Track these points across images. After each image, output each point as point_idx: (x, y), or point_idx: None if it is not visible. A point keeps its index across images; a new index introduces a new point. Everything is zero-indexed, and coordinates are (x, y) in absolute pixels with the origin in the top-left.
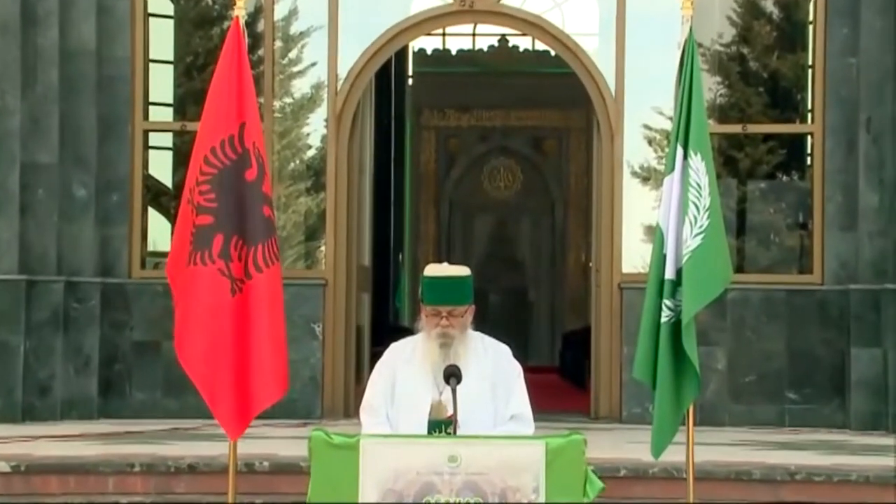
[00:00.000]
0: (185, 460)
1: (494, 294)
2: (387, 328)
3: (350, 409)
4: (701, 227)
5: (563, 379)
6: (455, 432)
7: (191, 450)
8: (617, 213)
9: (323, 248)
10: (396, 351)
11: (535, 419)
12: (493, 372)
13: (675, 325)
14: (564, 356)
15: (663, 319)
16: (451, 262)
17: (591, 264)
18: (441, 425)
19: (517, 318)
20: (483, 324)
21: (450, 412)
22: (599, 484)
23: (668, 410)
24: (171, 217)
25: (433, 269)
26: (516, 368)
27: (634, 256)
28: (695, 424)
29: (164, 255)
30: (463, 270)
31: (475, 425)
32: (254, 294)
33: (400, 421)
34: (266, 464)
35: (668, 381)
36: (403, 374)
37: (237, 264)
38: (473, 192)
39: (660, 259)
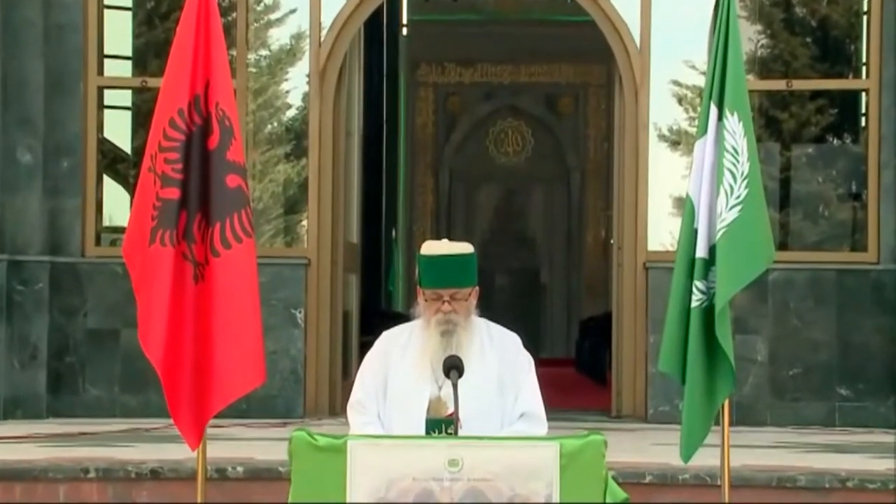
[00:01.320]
0: (147, 465)
1: (501, 275)
2: (378, 314)
3: (336, 406)
4: (738, 197)
5: (579, 372)
6: (456, 433)
7: (154, 453)
8: (642, 183)
9: (304, 222)
10: (389, 340)
11: (549, 418)
12: (501, 364)
13: (708, 311)
14: (581, 346)
15: (693, 304)
16: (451, 239)
17: (612, 241)
18: (441, 425)
19: (527, 303)
20: (488, 310)
21: (450, 410)
22: (622, 494)
23: (699, 408)
24: (130, 187)
25: (432, 247)
26: (527, 360)
27: (662, 232)
28: (731, 424)
29: (121, 230)
30: (466, 248)
31: (480, 425)
32: (218, 278)
33: (393, 420)
34: (240, 469)
35: (699, 374)
36: (398, 366)
37: (199, 247)
38: (477, 159)
39: (690, 235)
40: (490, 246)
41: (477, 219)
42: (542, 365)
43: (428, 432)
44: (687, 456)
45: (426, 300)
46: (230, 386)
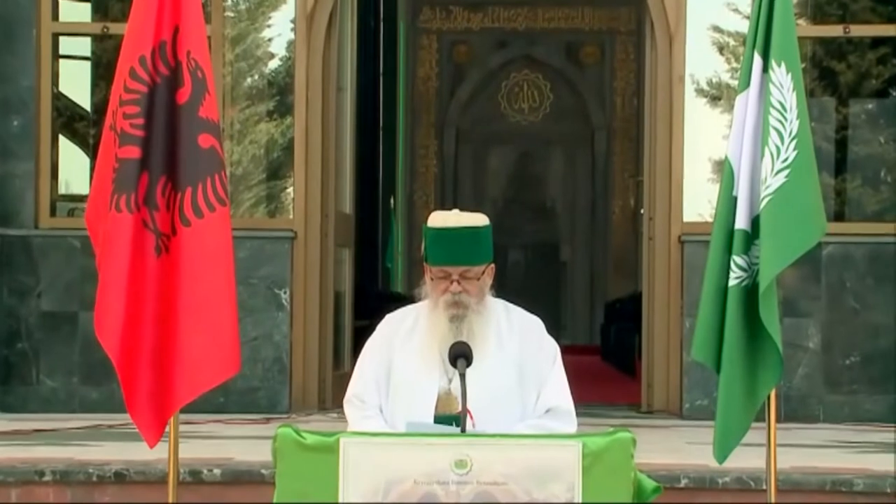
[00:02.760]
0: (110, 467)
1: (515, 251)
2: (374, 295)
3: (326, 399)
4: (785, 161)
5: (605, 362)
6: (464, 431)
7: (119, 453)
8: (677, 144)
9: (290, 189)
10: (392, 324)
11: None
12: (521, 353)
13: (750, 291)
14: (608, 332)
15: (732, 282)
16: (461, 209)
17: (642, 211)
18: (451, 423)
19: (545, 282)
20: (500, 291)
21: (461, 406)
22: (652, 483)
23: (737, 402)
24: (90, 149)
25: (440, 219)
26: (552, 348)
27: (700, 201)
28: (778, 420)
29: (80, 198)
30: (479, 220)
31: (496, 423)
32: (186, 251)
33: (397, 417)
34: (217, 471)
35: (738, 363)
36: (402, 355)
37: (164, 215)
38: (488, 118)
39: (728, 203)
40: (502, 217)
41: (487, 186)
42: (564, 353)
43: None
44: (722, 456)
45: (433, 279)
46: (198, 376)
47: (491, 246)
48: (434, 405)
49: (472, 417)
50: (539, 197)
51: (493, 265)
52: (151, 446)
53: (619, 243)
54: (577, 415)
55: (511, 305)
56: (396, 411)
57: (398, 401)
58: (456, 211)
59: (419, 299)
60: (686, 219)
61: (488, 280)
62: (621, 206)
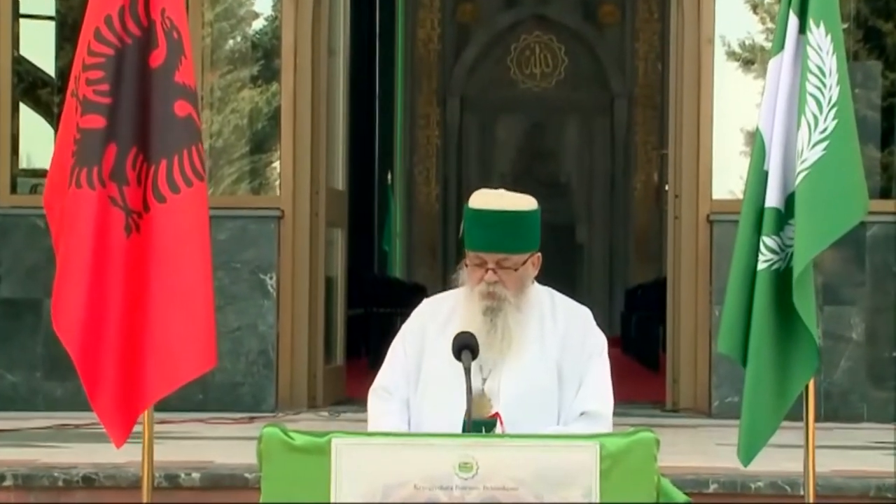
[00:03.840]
0: (78, 470)
1: None
2: (369, 280)
3: (316, 396)
4: (824, 131)
5: (626, 354)
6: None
7: (87, 455)
8: (705, 113)
9: (276, 164)
10: (429, 310)
11: None
12: (563, 348)
13: (782, 276)
14: (628, 322)
15: (761, 266)
16: (459, 188)
17: (666, 188)
18: (481, 428)
19: (560, 267)
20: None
21: (495, 409)
22: (682, 496)
23: (764, 399)
24: (55, 119)
25: (481, 199)
26: (598, 343)
27: (730, 176)
28: (817, 419)
29: (44, 173)
30: (525, 202)
31: (528, 425)
32: (159, 231)
33: (424, 417)
34: (195, 476)
35: (767, 355)
36: (435, 346)
37: (134, 190)
38: (496, 84)
39: (759, 178)
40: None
41: (495, 160)
42: None
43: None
44: (747, 458)
45: (469, 265)
46: (170, 370)
47: (538, 233)
48: (466, 407)
49: (502, 423)
50: (552, 172)
51: (538, 254)
52: (118, 446)
53: (642, 223)
54: None
55: (558, 295)
56: (423, 412)
57: (426, 400)
58: (501, 191)
59: (456, 285)
60: (715, 196)
61: (531, 271)
62: (643, 182)
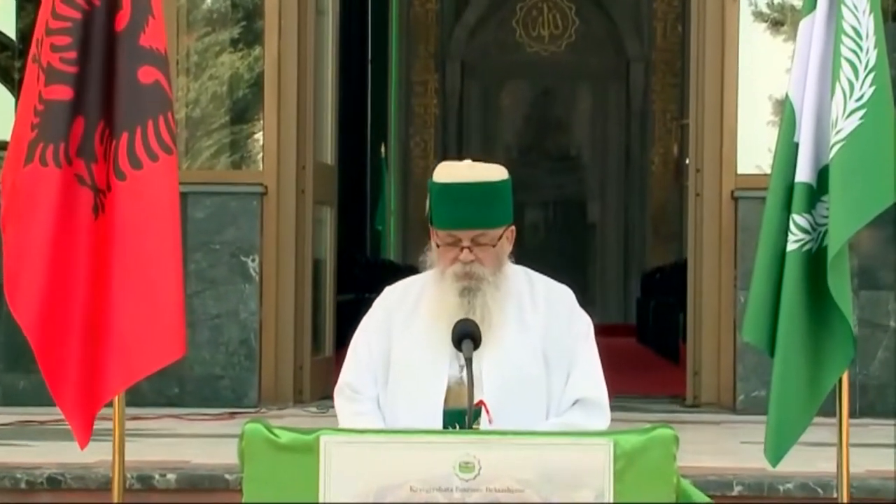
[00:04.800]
0: (42, 471)
1: (533, 210)
2: (361, 264)
3: (304, 390)
4: (860, 99)
5: (642, 344)
6: (470, 426)
7: (52, 454)
8: (730, 80)
9: (259, 136)
10: (392, 299)
11: None
12: (548, 331)
13: (814, 257)
14: (645, 308)
15: (791, 246)
16: (460, 160)
17: (687, 161)
18: (463, 418)
19: (570, 248)
20: (517, 259)
21: (476, 398)
22: (703, 497)
23: (794, 392)
24: (17, 86)
25: (448, 171)
26: (584, 324)
27: (757, 149)
28: (851, 415)
29: (3, 146)
30: (496, 172)
31: (519, 417)
32: (122, 210)
33: (399, 411)
34: (171, 477)
35: (797, 344)
36: (404, 337)
37: (102, 167)
38: (500, 48)
39: (789, 151)
40: (518, 169)
41: (499, 131)
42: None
43: (445, 428)
44: (775, 458)
45: (440, 245)
46: (134, 359)
47: (511, 204)
48: (443, 398)
49: (488, 412)
50: (562, 144)
51: (513, 227)
52: (82, 446)
53: (659, 201)
54: (610, 409)
55: (535, 274)
56: (398, 405)
57: (399, 393)
58: (468, 162)
59: (424, 268)
60: (741, 170)
61: (507, 246)
62: (662, 156)
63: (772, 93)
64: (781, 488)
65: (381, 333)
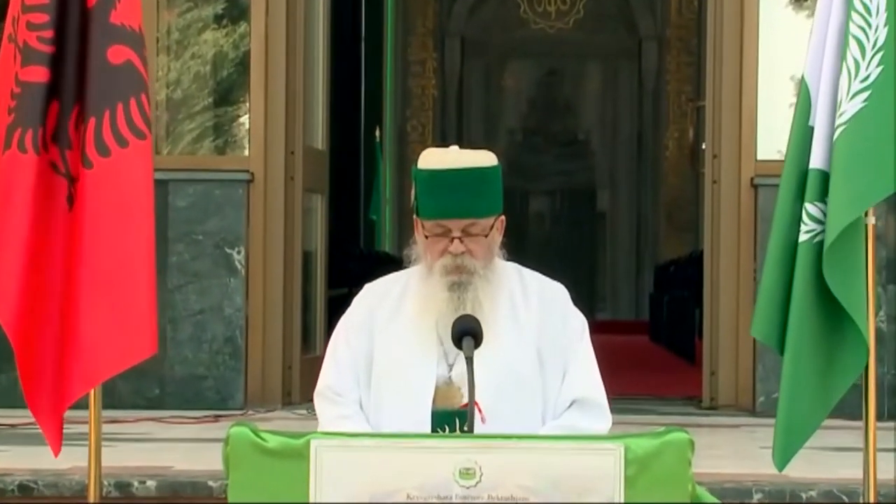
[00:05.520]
0: (14, 478)
1: (538, 199)
2: (354, 256)
3: (294, 391)
4: (866, 79)
5: (655, 342)
6: (472, 430)
7: (25, 460)
8: (749, 59)
9: (245, 119)
10: (373, 296)
11: (613, 409)
12: (542, 328)
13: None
14: (658, 304)
15: (802, 237)
16: (463, 146)
17: (703, 146)
18: (453, 419)
19: (579, 240)
20: (518, 251)
21: (467, 398)
22: (711, 498)
23: (803, 392)
24: None
25: (435, 158)
26: (579, 322)
27: (779, 133)
28: (879, 418)
29: None
30: (485, 158)
31: (513, 419)
32: (91, 199)
33: (383, 414)
34: (151, 484)
35: (807, 341)
36: (387, 335)
37: (75, 154)
38: (503, 24)
39: (803, 135)
40: (522, 154)
41: (502, 113)
42: (601, 330)
43: (435, 430)
44: (782, 461)
45: (427, 236)
46: (103, 357)
47: (501, 192)
48: (431, 399)
49: (481, 413)
50: (569, 128)
51: (503, 217)
52: (55, 453)
53: (674, 188)
54: (620, 411)
55: (526, 270)
56: (382, 407)
57: (384, 394)
58: (455, 148)
59: (409, 263)
60: (760, 156)
61: (498, 237)
62: (676, 140)
63: (794, 73)
64: (804, 496)
65: (362, 332)
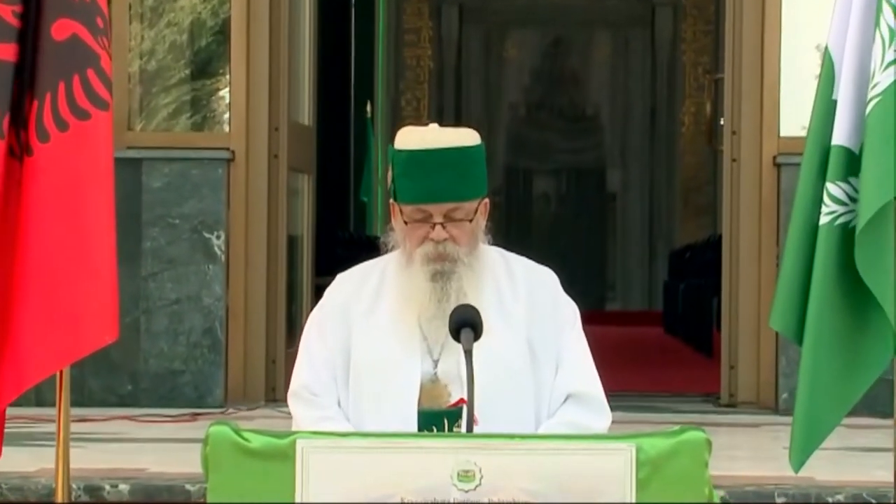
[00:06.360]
0: None
1: (543, 179)
2: (343, 241)
3: (277, 387)
4: None
5: (670, 335)
6: (469, 429)
7: None
8: (772, 27)
9: (225, 93)
10: (348, 288)
11: (622, 406)
12: (531, 318)
13: (852, 233)
14: (673, 292)
15: (822, 220)
16: (458, 121)
17: (722, 122)
18: (441, 420)
19: (587, 223)
20: (523, 237)
21: (456, 397)
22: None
23: (823, 387)
24: None
25: (413, 137)
26: (570, 310)
27: (804, 108)
28: None
29: None
30: (467, 136)
31: (504, 418)
32: (37, 179)
33: (364, 415)
34: (124, 487)
35: (828, 333)
36: (365, 329)
37: (30, 132)
38: None
39: (826, 109)
40: (525, 131)
41: (504, 86)
42: (610, 322)
43: (423, 431)
44: (799, 461)
45: (406, 222)
46: (53, 345)
47: (485, 173)
48: (416, 397)
49: (471, 411)
50: (577, 102)
51: (487, 200)
52: None
53: (690, 167)
54: (631, 409)
55: (511, 255)
56: (363, 409)
57: (364, 395)
58: (434, 126)
59: (387, 250)
60: (784, 133)
61: (482, 220)
62: (693, 115)
63: (821, 42)
64: (831, 500)
65: (337, 326)
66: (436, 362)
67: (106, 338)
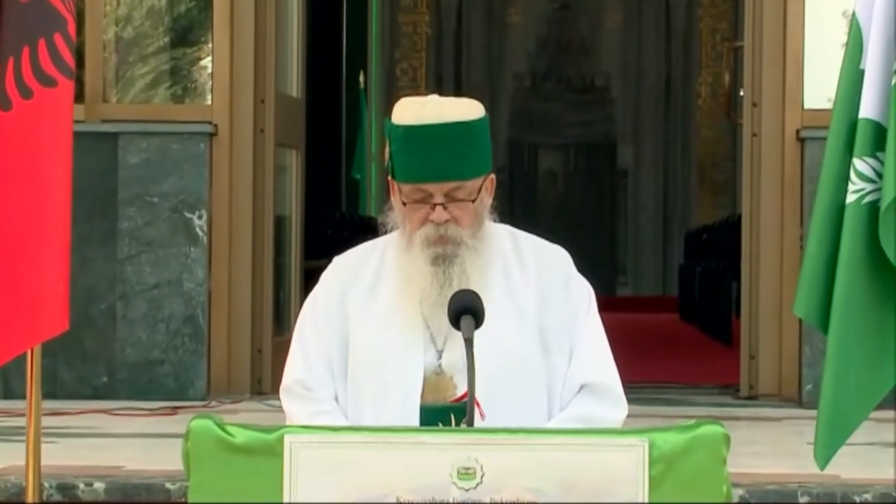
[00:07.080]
0: None
1: (549, 154)
2: (334, 221)
3: (265, 379)
4: None
5: (686, 321)
6: (472, 425)
7: None
8: None
9: (207, 62)
10: (345, 273)
11: (634, 398)
12: (542, 302)
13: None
14: (690, 276)
15: (849, 198)
16: (458, 92)
17: (741, 94)
18: (446, 415)
19: (596, 202)
20: (528, 216)
21: (463, 389)
22: None
23: (849, 379)
24: None
25: (412, 110)
26: (585, 292)
27: (829, 79)
28: None
29: None
30: (470, 108)
31: (514, 410)
32: (5, 142)
33: (363, 409)
34: (99, 486)
35: (854, 319)
36: (364, 319)
37: None
38: None
39: (853, 80)
40: (531, 102)
41: (507, 55)
42: (622, 308)
43: (424, 425)
44: (824, 458)
45: (405, 203)
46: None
47: (489, 148)
48: (420, 393)
49: (478, 405)
50: (585, 72)
51: (492, 177)
52: None
53: (707, 142)
54: (644, 401)
55: (521, 234)
56: (362, 404)
57: (364, 388)
58: (434, 97)
59: (384, 231)
60: (808, 105)
61: (487, 199)
62: (710, 86)
63: (847, 8)
64: (858, 499)
65: (333, 315)
66: (440, 353)
67: (54, 328)
